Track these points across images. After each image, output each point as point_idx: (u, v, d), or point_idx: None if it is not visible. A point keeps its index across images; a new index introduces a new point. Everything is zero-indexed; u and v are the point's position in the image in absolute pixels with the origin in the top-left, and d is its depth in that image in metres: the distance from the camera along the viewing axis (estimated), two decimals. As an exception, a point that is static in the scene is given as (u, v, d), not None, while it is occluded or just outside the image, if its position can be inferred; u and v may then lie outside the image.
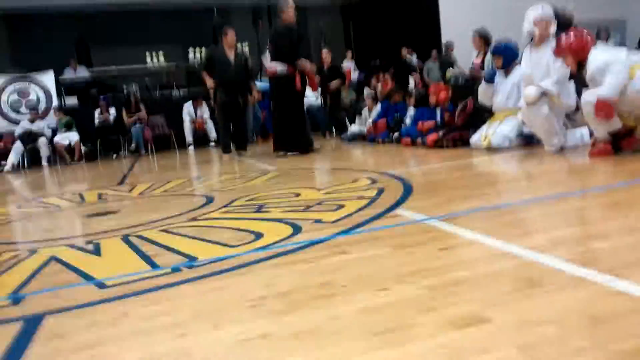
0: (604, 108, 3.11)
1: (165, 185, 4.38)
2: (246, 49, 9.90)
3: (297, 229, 2.21)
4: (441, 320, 1.19)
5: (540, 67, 3.88)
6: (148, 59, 11.32)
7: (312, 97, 8.70)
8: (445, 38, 10.07)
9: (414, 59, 10.12)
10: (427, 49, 9.98)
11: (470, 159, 4.16)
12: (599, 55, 3.24)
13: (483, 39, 5.85)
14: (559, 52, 3.47)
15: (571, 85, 3.83)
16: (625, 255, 1.52)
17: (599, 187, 2.66)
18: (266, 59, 6.25)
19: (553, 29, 3.98)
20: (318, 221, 2.33)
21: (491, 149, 4.33)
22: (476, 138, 4.60)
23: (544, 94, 3.76)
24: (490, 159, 4.04)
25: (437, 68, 8.98)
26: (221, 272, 1.74)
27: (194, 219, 2.74)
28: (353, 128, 7.67)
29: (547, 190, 2.72)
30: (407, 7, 11.01)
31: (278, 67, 5.71)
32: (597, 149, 3.39)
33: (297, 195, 3.14)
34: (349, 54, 11.03)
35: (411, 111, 6.18)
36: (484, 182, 3.27)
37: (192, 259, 1.93)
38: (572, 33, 3.40)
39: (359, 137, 7.12)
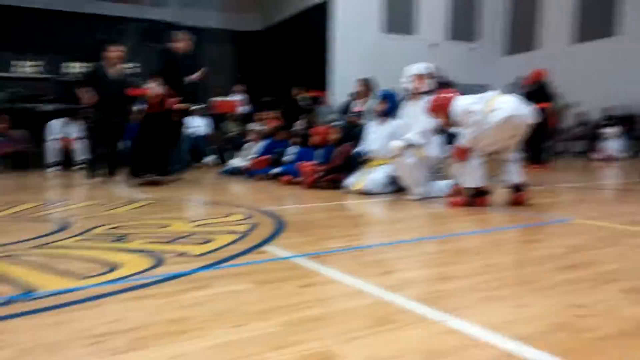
0: (459, 154, 3.67)
1: (15, 207, 3.93)
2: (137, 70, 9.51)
3: (158, 261, 2.10)
4: (291, 357, 1.19)
5: (415, 120, 4.25)
6: (13, 68, 10.32)
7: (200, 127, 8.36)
8: (332, 85, 10.80)
9: (304, 100, 10.46)
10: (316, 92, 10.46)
11: (343, 201, 4.33)
12: (460, 102, 3.71)
13: (367, 86, 6.23)
14: (430, 112, 3.88)
15: (438, 138, 4.22)
16: (465, 297, 1.66)
17: (451, 234, 2.91)
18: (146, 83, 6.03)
19: (427, 85, 4.39)
20: (182, 254, 2.24)
21: (362, 193, 4.55)
22: (349, 181, 4.82)
23: (411, 145, 4.08)
24: (361, 203, 4.24)
25: (327, 111, 9.35)
26: (63, 305, 1.58)
27: (43, 246, 2.47)
28: (234, 161, 7.61)
29: (407, 234, 2.91)
30: (300, 50, 11.52)
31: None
32: (455, 200, 3.74)
33: (165, 226, 3.00)
34: (239, 87, 11.03)
35: (294, 149, 6.31)
36: (353, 224, 3.41)
37: (31, 290, 1.73)
38: (435, 95, 3.92)
39: (239, 172, 7.07)
